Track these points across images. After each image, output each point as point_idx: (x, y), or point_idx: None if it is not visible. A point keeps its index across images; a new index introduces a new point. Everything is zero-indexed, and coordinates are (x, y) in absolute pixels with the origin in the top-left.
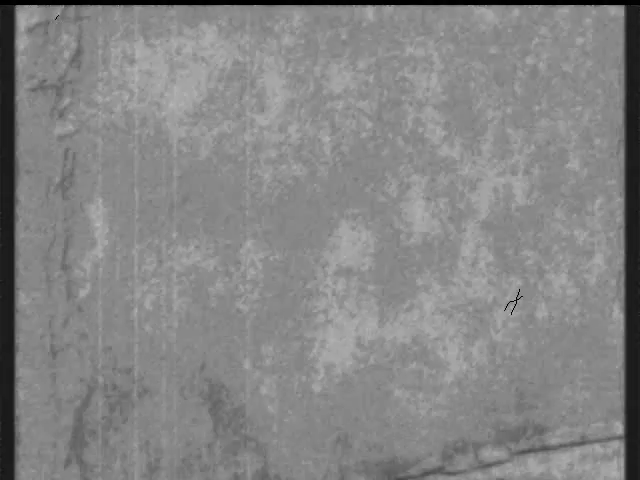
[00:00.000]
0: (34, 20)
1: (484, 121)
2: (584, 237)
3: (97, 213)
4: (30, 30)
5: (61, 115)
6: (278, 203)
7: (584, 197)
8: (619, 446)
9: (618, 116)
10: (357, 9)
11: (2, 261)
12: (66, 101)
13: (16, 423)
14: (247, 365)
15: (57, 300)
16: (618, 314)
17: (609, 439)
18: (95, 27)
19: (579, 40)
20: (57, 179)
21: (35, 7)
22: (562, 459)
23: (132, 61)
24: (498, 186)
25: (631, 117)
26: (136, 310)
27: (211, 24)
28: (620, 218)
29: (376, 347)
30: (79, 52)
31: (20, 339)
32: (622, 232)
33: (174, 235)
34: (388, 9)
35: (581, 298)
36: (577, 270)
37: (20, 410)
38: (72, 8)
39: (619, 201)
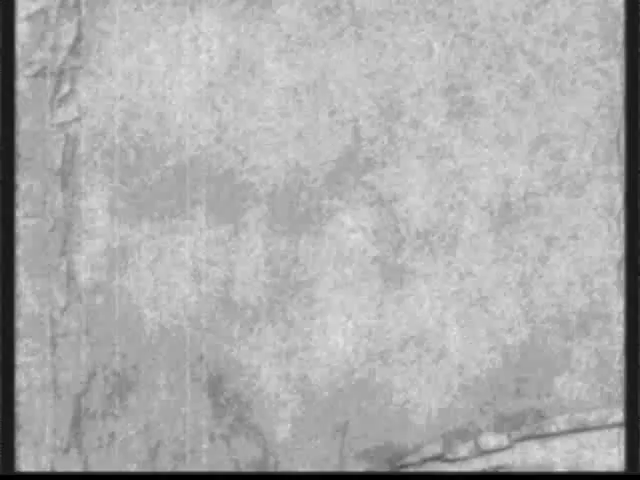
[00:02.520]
0: (34, 7)
1: (484, 108)
2: (584, 224)
3: (97, 200)
4: (30, 17)
5: (61, 102)
6: (278, 190)
7: (584, 184)
8: (619, 433)
9: (618, 103)
10: None
11: (2, 248)
12: (66, 88)
13: (16, 410)
14: (246, 353)
15: (57, 287)
16: (618, 301)
17: (609, 426)
18: (95, 14)
19: (579, 27)
20: (57, 166)
21: None
22: (562, 446)
23: (132, 48)
24: (498, 173)
25: (631, 104)
26: (136, 297)
27: (213, 10)
28: (620, 205)
29: (376, 334)
30: (79, 39)
31: (20, 326)
32: (622, 219)
33: (174, 222)
34: None
35: (581, 285)
36: (577, 257)
37: (20, 397)
38: None
39: (619, 188)
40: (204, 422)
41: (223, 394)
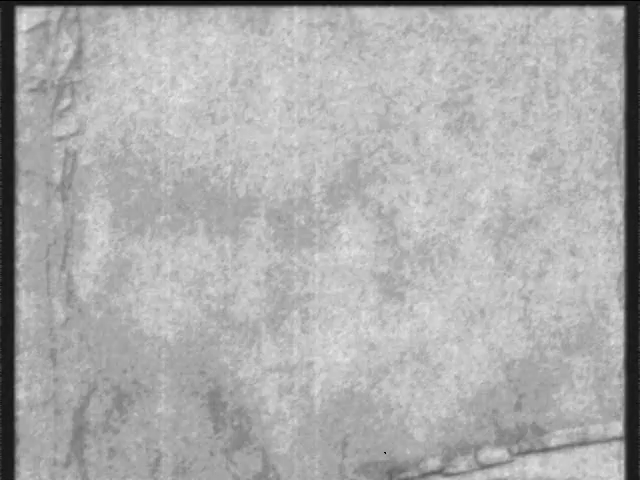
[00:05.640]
0: (34, 21)
1: (484, 122)
2: (584, 238)
3: (97, 214)
4: (30, 31)
5: (61, 116)
6: (277, 204)
7: (584, 198)
8: (619, 447)
9: (618, 117)
10: (358, 11)
11: (2, 262)
12: (66, 102)
13: (16, 424)
14: (247, 366)
15: (57, 301)
16: (618, 315)
17: (609, 440)
18: (95, 28)
19: (579, 41)
20: (57, 180)
21: (36, 8)
22: (562, 460)
23: (132, 62)
24: (498, 187)
25: (631, 118)
26: (135, 310)
27: (212, 25)
28: (620, 219)
29: (376, 348)
30: (79, 53)
31: (20, 340)
32: (622, 233)
33: (173, 236)
34: (388, 10)
35: (581, 299)
36: (577, 271)
37: (20, 411)
38: (73, 9)
39: (619, 202)
40: (204, 436)
41: (223, 408)
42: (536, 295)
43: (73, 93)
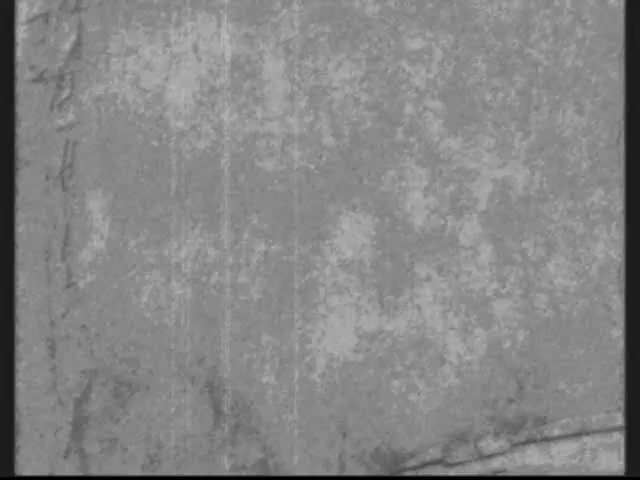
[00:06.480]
0: (34, 11)
1: (484, 112)
2: (584, 228)
3: (97, 204)
4: (30, 21)
5: (61, 106)
6: (278, 194)
7: (584, 188)
8: (619, 437)
9: (619, 107)
10: (357, 0)
11: (2, 252)
12: (66, 92)
13: (16, 414)
14: (247, 356)
15: (57, 291)
16: (619, 305)
17: (609, 430)
18: (95, 18)
19: (579, 31)
20: (57, 170)
21: None
22: (562, 450)
23: (132, 52)
24: (498, 177)
25: (631, 108)
26: (136, 301)
27: (211, 15)
28: (620, 209)
29: (376, 338)
30: (79, 43)
31: (20, 330)
32: (622, 223)
33: (174, 225)
34: (388, 0)
35: (581, 289)
36: (577, 261)
37: (20, 401)
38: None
39: (619, 191)
40: (205, 426)
41: (224, 398)
42: (537, 285)
43: (73, 83)
